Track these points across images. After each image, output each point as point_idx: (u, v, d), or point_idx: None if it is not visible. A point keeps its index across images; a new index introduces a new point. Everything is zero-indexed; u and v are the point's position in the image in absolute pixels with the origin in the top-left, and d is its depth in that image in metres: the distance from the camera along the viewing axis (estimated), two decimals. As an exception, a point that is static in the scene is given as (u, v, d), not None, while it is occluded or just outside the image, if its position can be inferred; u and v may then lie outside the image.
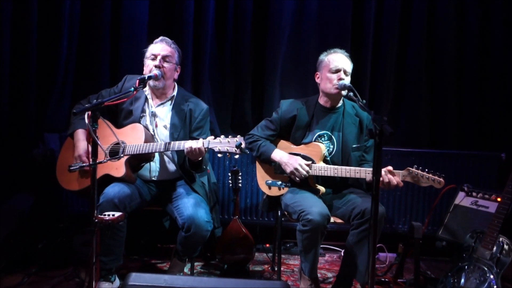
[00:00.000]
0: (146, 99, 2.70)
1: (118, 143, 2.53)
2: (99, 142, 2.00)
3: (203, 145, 2.37)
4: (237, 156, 2.35)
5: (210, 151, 2.41)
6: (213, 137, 2.39)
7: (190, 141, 2.42)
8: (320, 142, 2.64)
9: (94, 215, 2.00)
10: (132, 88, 2.30)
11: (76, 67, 3.43)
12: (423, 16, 3.43)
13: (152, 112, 2.69)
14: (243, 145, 2.31)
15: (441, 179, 2.33)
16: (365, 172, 2.46)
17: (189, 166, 2.60)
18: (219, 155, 2.36)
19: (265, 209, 2.82)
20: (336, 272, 2.84)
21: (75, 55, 3.41)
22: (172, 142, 2.47)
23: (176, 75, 2.74)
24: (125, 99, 2.55)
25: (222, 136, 2.35)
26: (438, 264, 3.19)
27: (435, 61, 3.50)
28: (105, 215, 2.03)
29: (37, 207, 3.06)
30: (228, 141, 2.32)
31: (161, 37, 2.72)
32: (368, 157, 2.68)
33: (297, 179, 2.55)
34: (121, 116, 2.69)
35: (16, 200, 3.00)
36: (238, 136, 2.34)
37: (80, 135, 2.61)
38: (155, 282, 1.78)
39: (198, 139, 2.63)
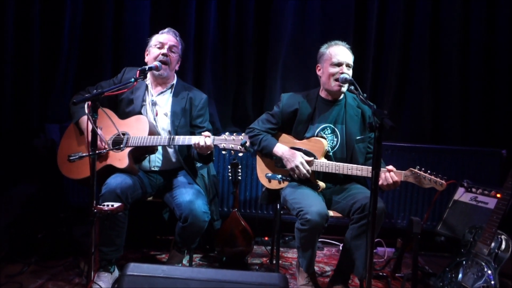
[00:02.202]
0: (147, 88, 2.72)
1: (122, 134, 2.53)
2: (98, 132, 2.00)
3: (213, 142, 2.39)
4: (241, 154, 2.38)
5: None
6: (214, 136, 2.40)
7: (196, 137, 2.43)
8: (322, 136, 2.62)
9: (93, 205, 2.01)
10: (133, 79, 2.31)
11: (78, 59, 3.43)
12: (428, 10, 3.38)
13: (152, 101, 2.70)
14: (247, 143, 2.35)
15: (443, 182, 2.28)
16: (367, 171, 2.43)
17: (199, 159, 2.63)
18: (224, 152, 2.38)
19: (265, 201, 2.82)
20: (334, 266, 2.85)
21: (77, 47, 3.41)
22: (175, 137, 2.48)
23: (177, 67, 2.78)
24: (125, 90, 2.56)
25: (227, 133, 2.38)
26: (437, 259, 3.19)
27: (440, 56, 3.45)
28: (104, 205, 2.05)
29: (38, 197, 3.08)
30: (233, 139, 2.35)
31: (167, 28, 2.75)
32: None
33: (296, 176, 2.55)
34: (122, 105, 2.70)
35: (17, 190, 3.02)
36: (243, 134, 2.38)
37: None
38: (153, 272, 1.78)
39: (201, 127, 2.66)
